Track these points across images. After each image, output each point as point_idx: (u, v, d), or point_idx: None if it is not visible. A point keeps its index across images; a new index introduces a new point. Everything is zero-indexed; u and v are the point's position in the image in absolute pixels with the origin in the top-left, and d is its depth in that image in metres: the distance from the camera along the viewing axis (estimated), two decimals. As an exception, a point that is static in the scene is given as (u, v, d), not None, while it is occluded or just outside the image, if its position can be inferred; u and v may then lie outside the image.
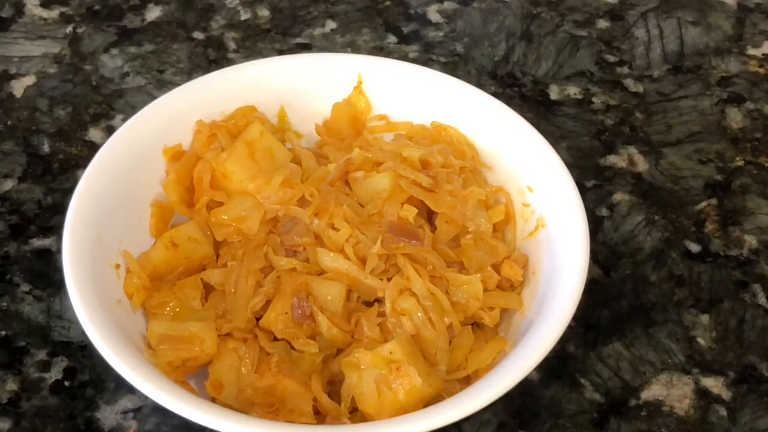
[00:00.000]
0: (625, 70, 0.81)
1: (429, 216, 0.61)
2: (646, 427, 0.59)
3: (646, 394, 0.60)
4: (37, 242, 0.67)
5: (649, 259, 0.67)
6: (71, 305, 0.52)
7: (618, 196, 0.71)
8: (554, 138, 0.73)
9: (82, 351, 0.61)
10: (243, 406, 0.54)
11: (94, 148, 0.65)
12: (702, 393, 0.61)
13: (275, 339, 0.56)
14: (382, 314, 0.56)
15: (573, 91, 0.79)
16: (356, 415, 0.54)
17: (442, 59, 0.81)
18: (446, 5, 0.87)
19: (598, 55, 0.82)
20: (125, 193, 0.60)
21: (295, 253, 0.59)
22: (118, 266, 0.57)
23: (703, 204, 0.71)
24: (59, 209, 0.68)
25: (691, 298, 0.65)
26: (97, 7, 0.85)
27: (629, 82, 0.80)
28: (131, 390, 0.58)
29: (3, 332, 0.62)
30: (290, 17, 0.85)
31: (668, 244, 0.68)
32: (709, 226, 0.70)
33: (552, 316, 0.53)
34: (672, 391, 0.60)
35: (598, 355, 0.62)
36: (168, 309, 0.57)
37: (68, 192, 0.59)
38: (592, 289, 0.63)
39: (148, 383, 0.50)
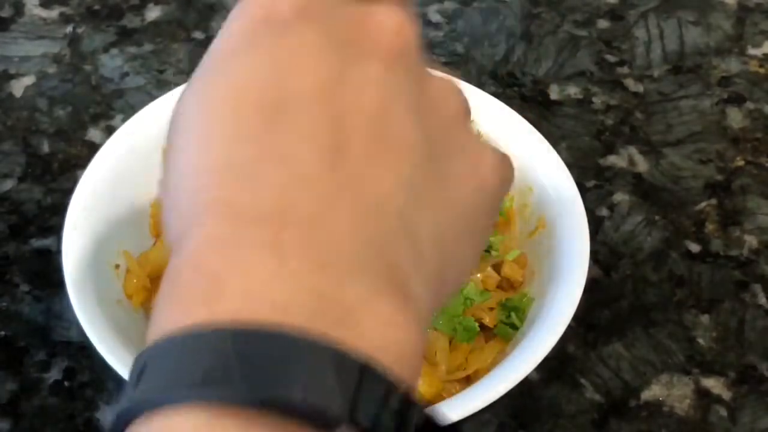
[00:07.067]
0: (626, 70, 0.81)
1: (429, 216, 0.61)
2: (646, 427, 0.59)
3: (647, 395, 0.60)
4: (37, 242, 0.67)
5: (649, 259, 0.67)
6: (71, 305, 0.52)
7: (618, 196, 0.71)
8: (554, 138, 0.73)
9: (82, 351, 0.61)
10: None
11: (94, 148, 0.65)
12: (702, 393, 0.60)
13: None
14: (382, 314, 0.56)
15: (573, 91, 0.79)
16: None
17: (442, 59, 0.81)
18: (446, 5, 0.87)
19: (598, 55, 0.82)
20: (125, 193, 0.59)
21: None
22: (117, 266, 0.57)
23: (704, 204, 0.71)
24: (59, 209, 0.67)
25: (691, 299, 0.65)
26: (96, 7, 0.85)
27: (629, 82, 0.80)
28: (131, 390, 0.58)
29: (2, 332, 0.62)
30: (290, 17, 0.85)
31: (668, 244, 0.68)
32: (710, 227, 0.70)
33: (552, 317, 0.53)
34: (672, 392, 0.60)
35: (598, 356, 0.62)
36: (168, 309, 0.57)
37: (68, 192, 0.59)
38: (592, 289, 0.63)
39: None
